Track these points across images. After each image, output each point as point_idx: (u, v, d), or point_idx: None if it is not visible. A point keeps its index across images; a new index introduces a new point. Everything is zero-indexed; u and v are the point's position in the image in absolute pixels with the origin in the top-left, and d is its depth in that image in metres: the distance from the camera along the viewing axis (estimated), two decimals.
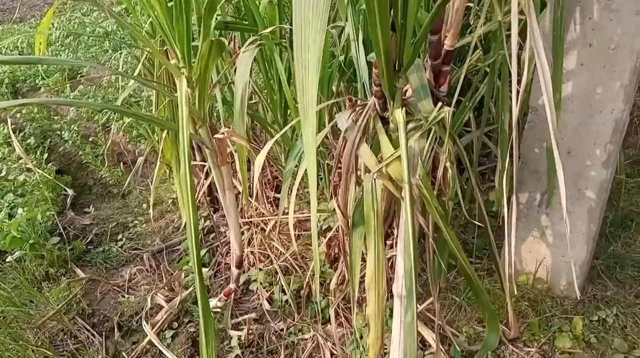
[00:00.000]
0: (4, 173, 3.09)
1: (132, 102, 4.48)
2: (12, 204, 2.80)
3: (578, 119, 1.60)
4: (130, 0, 2.42)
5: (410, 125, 1.35)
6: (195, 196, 2.97)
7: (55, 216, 2.71)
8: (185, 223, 2.79)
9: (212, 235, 2.69)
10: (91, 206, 3.03)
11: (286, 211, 2.27)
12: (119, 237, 2.74)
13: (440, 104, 1.30)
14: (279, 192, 2.73)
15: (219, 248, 2.59)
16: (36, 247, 2.39)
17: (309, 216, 2.43)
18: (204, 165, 2.77)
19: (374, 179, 1.28)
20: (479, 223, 1.47)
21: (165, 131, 2.62)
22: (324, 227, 2.19)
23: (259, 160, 1.38)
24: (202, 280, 1.40)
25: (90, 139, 3.77)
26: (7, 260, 2.42)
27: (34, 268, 2.41)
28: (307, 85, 0.62)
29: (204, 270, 2.42)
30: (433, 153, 1.35)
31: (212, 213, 2.82)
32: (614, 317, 1.80)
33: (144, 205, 3.02)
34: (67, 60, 4.17)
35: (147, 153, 3.11)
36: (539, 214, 1.84)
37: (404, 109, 1.33)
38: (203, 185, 2.90)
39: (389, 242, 1.87)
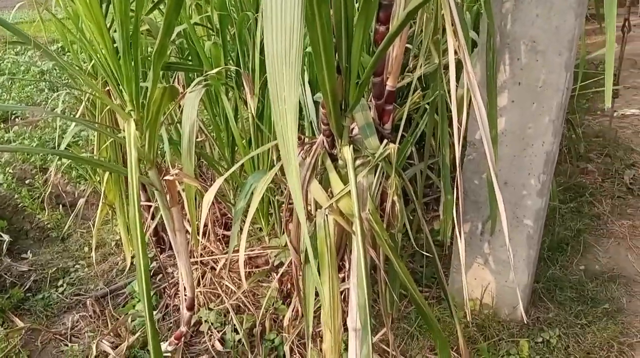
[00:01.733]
0: None
1: (71, 143, 4.36)
2: None
3: (512, 152, 1.70)
4: (67, 39, 2.39)
5: (358, 162, 1.40)
6: None
7: None
8: (129, 266, 2.71)
9: (159, 277, 2.62)
10: (29, 251, 2.88)
11: (236, 249, 2.27)
12: (60, 282, 2.62)
13: (385, 140, 1.36)
14: (228, 229, 2.72)
15: (166, 290, 2.53)
16: None
17: (260, 253, 2.42)
18: (150, 206, 2.72)
19: (326, 215, 1.30)
20: (427, 253, 1.52)
21: (108, 172, 2.56)
22: (275, 263, 2.18)
23: (207, 198, 1.38)
24: (154, 325, 1.37)
25: (26, 182, 3.61)
26: None
27: None
28: (287, 134, 0.66)
29: None
30: (381, 188, 1.40)
31: (158, 254, 2.75)
32: (557, 338, 1.89)
33: (86, 249, 2.92)
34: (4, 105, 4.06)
35: (87, 194, 3.01)
36: (482, 242, 1.92)
37: (351, 146, 1.38)
38: (149, 226, 2.84)
39: (340, 275, 1.89)
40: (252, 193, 1.58)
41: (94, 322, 2.32)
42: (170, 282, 2.55)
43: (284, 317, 2.14)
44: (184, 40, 2.29)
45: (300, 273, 1.55)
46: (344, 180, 1.42)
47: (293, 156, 0.68)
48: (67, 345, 2.17)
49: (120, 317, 2.32)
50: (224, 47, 2.11)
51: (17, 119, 5.10)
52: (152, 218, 2.77)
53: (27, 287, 2.58)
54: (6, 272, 2.67)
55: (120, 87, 1.28)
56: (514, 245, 1.84)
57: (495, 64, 1.41)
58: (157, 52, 1.19)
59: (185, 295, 1.81)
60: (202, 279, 2.42)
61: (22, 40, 1.17)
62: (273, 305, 2.19)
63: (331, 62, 1.15)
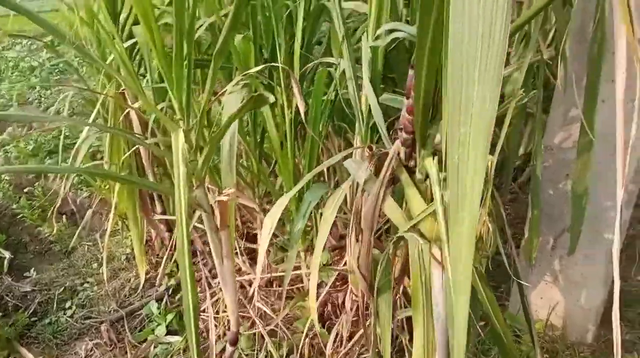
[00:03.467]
0: None
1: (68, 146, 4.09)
2: None
3: (597, 159, 1.51)
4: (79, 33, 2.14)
5: (442, 175, 1.20)
6: (147, 250, 2.68)
7: None
8: (143, 283, 2.49)
9: (178, 296, 2.40)
10: (32, 269, 2.63)
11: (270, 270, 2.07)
12: (68, 304, 2.38)
13: None
14: (251, 241, 2.50)
15: None
16: None
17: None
18: (167, 219, 2.50)
19: (422, 244, 1.10)
20: (518, 280, 1.33)
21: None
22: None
23: (270, 222, 1.16)
24: None
25: (25, 190, 3.36)
26: None
27: None
28: (466, 167, 0.45)
29: (174, 338, 2.14)
30: None
31: (176, 271, 2.53)
32: None
33: (94, 264, 2.68)
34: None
35: (94, 203, 2.76)
36: (552, 258, 1.73)
37: (435, 157, 1.18)
38: (164, 239, 2.61)
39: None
40: (311, 213, 1.38)
41: (111, 350, 2.09)
42: None
43: (323, 342, 1.95)
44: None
45: (369, 303, 1.35)
46: (425, 197, 1.22)
47: (480, 166, 0.47)
48: None
49: (138, 343, 2.10)
50: (254, 41, 1.89)
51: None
52: (169, 230, 2.55)
53: (32, 310, 2.34)
54: (8, 293, 2.43)
55: (171, 93, 1.06)
56: (592, 261, 1.66)
57: (602, 58, 1.21)
58: (219, 51, 0.97)
59: (227, 328, 1.59)
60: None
61: (52, 35, 0.95)
62: (312, 329, 1.98)
63: (436, 60, 0.95)
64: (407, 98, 1.17)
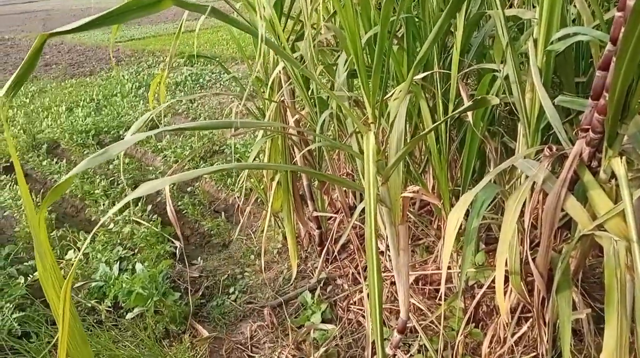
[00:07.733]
0: (111, 226, 3.08)
1: (216, 151, 4.51)
2: (122, 257, 2.77)
3: None
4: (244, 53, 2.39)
5: (629, 175, 1.20)
6: (303, 245, 2.87)
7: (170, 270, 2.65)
8: (295, 275, 2.68)
9: (328, 288, 2.55)
10: (199, 258, 2.95)
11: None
12: (231, 290, 2.64)
13: None
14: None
15: (338, 303, 2.45)
16: (158, 303, 2.31)
17: (435, 271, 2.26)
18: (317, 216, 2.68)
19: (615, 241, 1.11)
20: None
21: (277, 180, 2.55)
22: (470, 283, 2.01)
23: (455, 218, 1.24)
24: None
25: (188, 190, 3.75)
26: (127, 317, 2.35)
27: (154, 325, 2.32)
28: None
29: (329, 326, 2.28)
30: None
31: (324, 264, 2.70)
32: None
33: (251, 256, 2.93)
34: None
35: (251, 203, 3.02)
36: None
37: (623, 157, 1.18)
38: (314, 236, 2.80)
39: None
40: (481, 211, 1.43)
41: (272, 332, 2.29)
42: (340, 295, 2.48)
43: (477, 341, 1.98)
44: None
45: (544, 301, 1.37)
46: (610, 197, 1.23)
47: None
48: (250, 356, 2.15)
49: (296, 328, 2.28)
50: (407, 51, 1.98)
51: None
52: (319, 228, 2.73)
53: (200, 293, 2.62)
54: (179, 277, 2.75)
55: (366, 98, 1.18)
56: None
57: None
58: (420, 60, 1.08)
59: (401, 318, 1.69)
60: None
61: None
62: (465, 327, 2.02)
63: (634, 66, 0.97)
64: (596, 99, 1.18)
